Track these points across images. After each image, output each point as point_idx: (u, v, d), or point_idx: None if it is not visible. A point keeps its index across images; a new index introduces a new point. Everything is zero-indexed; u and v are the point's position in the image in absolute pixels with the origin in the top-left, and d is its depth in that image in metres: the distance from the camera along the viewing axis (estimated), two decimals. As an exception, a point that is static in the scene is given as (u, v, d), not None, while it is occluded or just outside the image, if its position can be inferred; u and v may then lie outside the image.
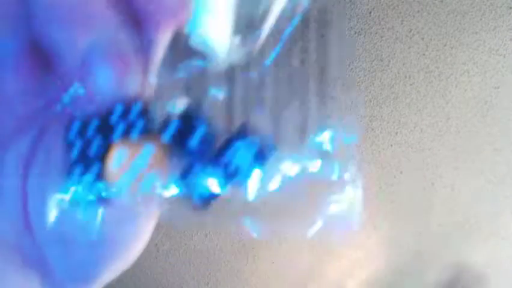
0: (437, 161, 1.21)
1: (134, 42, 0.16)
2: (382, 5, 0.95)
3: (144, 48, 0.16)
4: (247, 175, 0.16)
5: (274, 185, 0.16)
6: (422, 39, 1.00)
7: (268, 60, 0.17)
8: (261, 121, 0.17)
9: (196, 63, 0.17)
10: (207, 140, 0.16)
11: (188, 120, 0.16)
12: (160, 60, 0.17)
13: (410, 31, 0.99)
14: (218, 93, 0.17)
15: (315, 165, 0.16)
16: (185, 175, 0.16)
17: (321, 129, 0.17)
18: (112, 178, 0.16)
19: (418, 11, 0.96)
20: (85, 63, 0.15)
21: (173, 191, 0.16)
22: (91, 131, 0.16)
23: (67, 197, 0.17)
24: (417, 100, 1.10)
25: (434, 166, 1.22)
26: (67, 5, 0.15)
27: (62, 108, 0.18)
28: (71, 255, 0.19)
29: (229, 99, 0.17)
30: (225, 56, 0.17)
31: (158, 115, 0.16)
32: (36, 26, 0.16)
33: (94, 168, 0.16)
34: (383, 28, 0.98)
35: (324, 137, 0.17)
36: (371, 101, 1.09)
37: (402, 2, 0.95)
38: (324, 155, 0.17)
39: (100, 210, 0.18)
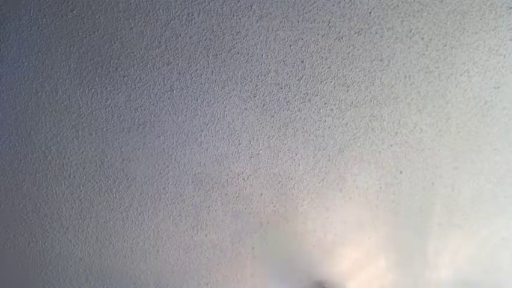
0: (437, 161, 1.21)
1: None
2: (382, 5, 0.95)
3: None
4: None
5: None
6: (422, 39, 1.00)
7: None
8: None
9: None
10: None
11: None
12: None
13: (410, 31, 0.99)
14: None
15: None
16: None
17: None
18: None
19: (418, 11, 0.96)
20: None
21: None
22: None
23: None
24: (417, 100, 1.10)
25: (434, 166, 1.22)
26: None
27: None
28: None
29: None
30: None
31: None
32: None
33: None
34: (383, 28, 0.98)
35: None
36: (371, 101, 1.09)
37: (402, 2, 0.95)
38: None
39: None
